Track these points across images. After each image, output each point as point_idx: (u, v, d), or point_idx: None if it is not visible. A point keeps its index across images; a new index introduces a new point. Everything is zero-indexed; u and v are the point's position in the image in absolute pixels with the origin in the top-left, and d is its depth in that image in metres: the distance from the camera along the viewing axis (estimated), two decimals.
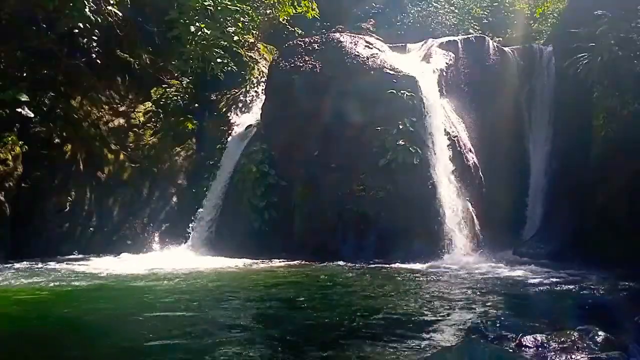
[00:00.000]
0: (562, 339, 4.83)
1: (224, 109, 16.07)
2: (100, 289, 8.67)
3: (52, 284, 8.80)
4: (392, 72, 13.36)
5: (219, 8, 15.15)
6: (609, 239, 11.93)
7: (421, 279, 9.76)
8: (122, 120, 14.73)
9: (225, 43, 15.53)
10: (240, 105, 16.18)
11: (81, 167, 13.21)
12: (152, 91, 15.73)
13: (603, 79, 12.74)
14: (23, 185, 12.15)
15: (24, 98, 12.12)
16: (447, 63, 14.65)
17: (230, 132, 15.39)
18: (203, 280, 9.54)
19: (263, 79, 16.28)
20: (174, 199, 14.36)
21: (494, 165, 14.16)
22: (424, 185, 12.52)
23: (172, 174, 14.63)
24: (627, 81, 12.37)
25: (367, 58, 13.73)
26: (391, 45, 15.60)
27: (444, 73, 14.48)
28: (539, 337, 4.86)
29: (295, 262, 11.69)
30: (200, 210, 13.88)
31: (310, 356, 5.25)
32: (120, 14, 14.09)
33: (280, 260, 11.85)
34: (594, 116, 13.14)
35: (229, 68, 15.53)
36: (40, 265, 10.89)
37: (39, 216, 12.41)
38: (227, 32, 15.67)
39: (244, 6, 15.91)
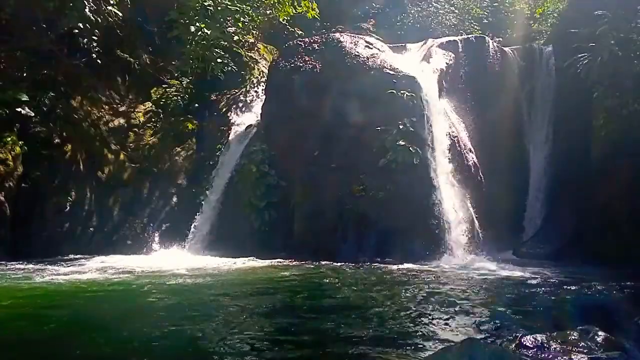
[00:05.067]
0: (562, 339, 4.83)
1: (224, 109, 16.07)
2: (100, 289, 8.66)
3: (51, 284, 8.79)
4: (392, 72, 13.36)
5: (219, 8, 15.17)
6: (609, 239, 11.95)
7: (421, 279, 9.75)
8: (122, 120, 14.74)
9: (225, 43, 15.56)
10: (240, 105, 16.19)
11: (81, 167, 13.21)
12: (152, 91, 15.75)
13: (603, 79, 12.76)
14: (23, 185, 12.15)
15: (24, 98, 12.14)
16: (447, 63, 14.66)
17: (230, 132, 15.39)
18: (203, 280, 9.53)
19: (263, 79, 16.29)
20: (174, 199, 14.36)
21: (494, 165, 14.16)
22: (424, 185, 12.52)
23: (172, 174, 14.63)
24: (627, 81, 12.39)
25: (367, 58, 13.73)
26: (391, 45, 15.61)
27: (444, 73, 14.48)
28: (539, 337, 4.84)
29: (295, 262, 11.68)
30: (200, 210, 13.88)
31: (309, 356, 5.25)
32: (120, 14, 14.10)
33: (280, 260, 11.83)
34: (594, 116, 13.16)
35: (229, 68, 15.54)
36: (40, 265, 10.87)
37: (39, 216, 12.41)
38: (227, 32, 15.70)
39: (244, 6, 15.93)
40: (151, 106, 15.46)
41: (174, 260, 11.90)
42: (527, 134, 15.25)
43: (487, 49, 15.27)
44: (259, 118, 15.06)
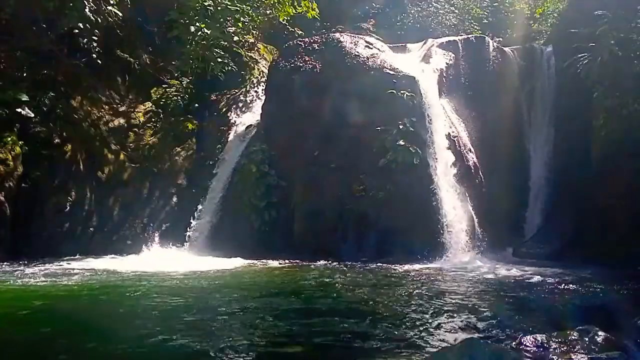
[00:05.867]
0: (562, 339, 4.83)
1: (224, 109, 16.07)
2: (100, 290, 8.66)
3: (51, 285, 8.79)
4: (392, 72, 13.36)
5: (219, 8, 15.16)
6: (609, 239, 11.94)
7: (421, 279, 9.75)
8: (122, 120, 14.74)
9: (225, 43, 15.55)
10: (240, 105, 16.18)
11: (81, 167, 13.21)
12: (152, 91, 15.74)
13: (603, 79, 12.76)
14: (23, 185, 12.14)
15: (24, 98, 12.13)
16: (447, 63, 14.65)
17: (230, 132, 15.39)
18: (203, 280, 9.53)
19: (263, 79, 16.28)
20: (174, 199, 14.36)
21: (494, 165, 14.16)
22: (424, 185, 12.52)
23: (172, 174, 14.63)
24: (627, 81, 12.39)
25: (367, 58, 13.73)
26: (391, 45, 15.60)
27: (444, 73, 14.48)
28: (539, 337, 4.85)
29: (295, 262, 11.68)
30: (200, 210, 13.87)
31: (309, 357, 5.25)
32: (120, 14, 14.09)
33: (280, 260, 11.83)
34: (594, 116, 13.16)
35: (229, 68, 15.53)
36: (40, 265, 10.87)
37: (39, 216, 12.40)
38: (227, 32, 15.69)
39: (244, 6, 15.92)
40: (151, 106, 15.45)
41: (173, 261, 11.89)
42: (527, 134, 15.25)
43: (487, 49, 15.26)
44: (259, 118, 15.05)
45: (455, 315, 6.78)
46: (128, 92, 15.49)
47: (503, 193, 13.91)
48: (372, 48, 14.22)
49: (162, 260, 11.92)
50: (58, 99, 13.19)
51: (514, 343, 4.91)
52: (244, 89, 16.48)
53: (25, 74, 12.96)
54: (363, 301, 7.78)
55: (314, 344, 5.59)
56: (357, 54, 13.84)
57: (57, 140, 12.86)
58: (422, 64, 14.60)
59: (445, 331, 6.04)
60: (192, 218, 13.76)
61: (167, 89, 15.77)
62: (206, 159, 14.95)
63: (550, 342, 4.78)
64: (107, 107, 14.61)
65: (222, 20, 15.38)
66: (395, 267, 11.03)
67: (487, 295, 8.33)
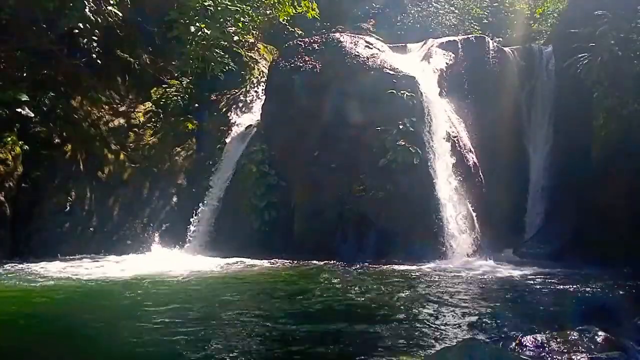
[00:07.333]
0: (562, 339, 4.83)
1: (224, 109, 16.07)
2: (99, 290, 8.66)
3: (51, 285, 8.79)
4: (392, 72, 13.36)
5: (219, 8, 15.16)
6: (609, 239, 11.93)
7: (421, 279, 9.75)
8: (122, 120, 14.73)
9: (225, 43, 15.55)
10: (240, 105, 16.18)
11: (81, 167, 13.21)
12: (152, 91, 15.73)
13: (603, 79, 12.74)
14: (23, 185, 12.14)
15: (24, 98, 12.13)
16: (447, 63, 14.66)
17: (230, 132, 15.38)
18: (203, 281, 9.53)
19: (263, 79, 16.28)
20: (174, 199, 14.35)
21: (494, 165, 14.16)
22: (424, 186, 12.51)
23: (172, 174, 14.62)
24: (627, 81, 12.38)
25: (367, 58, 13.73)
26: (391, 45, 15.61)
27: (444, 73, 14.48)
28: (539, 337, 4.85)
29: (295, 262, 11.67)
30: (200, 210, 13.86)
31: (309, 357, 5.25)
32: (120, 14, 14.08)
33: (280, 260, 11.83)
34: (594, 116, 13.16)
35: (229, 68, 15.53)
36: (39, 265, 10.87)
37: (39, 216, 12.39)
38: (227, 32, 15.69)
39: (244, 6, 15.92)
40: (151, 106, 15.44)
41: (173, 261, 11.90)
42: (527, 134, 15.25)
43: (487, 49, 15.25)
44: (259, 118, 15.05)
45: (455, 315, 6.78)
46: (128, 92, 15.49)
47: (503, 193, 13.90)
48: (372, 48, 14.22)
49: (162, 261, 11.92)
50: (58, 99, 13.19)
51: (514, 343, 4.91)
52: (244, 89, 16.48)
53: (25, 74, 12.95)
54: (362, 301, 7.78)
55: (314, 344, 5.59)
56: (357, 54, 13.84)
57: (57, 140, 12.86)
58: (422, 64, 14.61)
59: (446, 331, 6.05)
60: (192, 218, 13.75)
61: (167, 89, 15.76)
62: (206, 159, 14.94)
63: (550, 342, 4.78)
64: (107, 107, 14.60)
65: (222, 20, 15.38)
66: (395, 267, 11.03)
67: (487, 295, 8.34)
